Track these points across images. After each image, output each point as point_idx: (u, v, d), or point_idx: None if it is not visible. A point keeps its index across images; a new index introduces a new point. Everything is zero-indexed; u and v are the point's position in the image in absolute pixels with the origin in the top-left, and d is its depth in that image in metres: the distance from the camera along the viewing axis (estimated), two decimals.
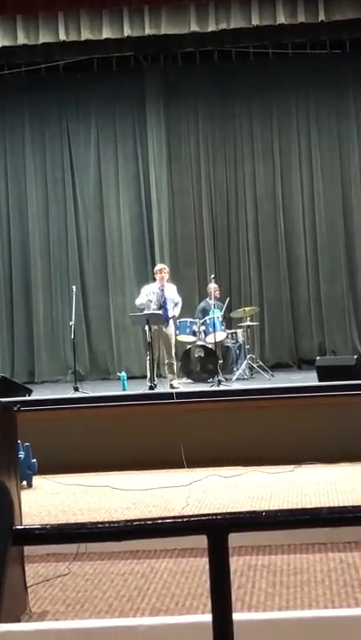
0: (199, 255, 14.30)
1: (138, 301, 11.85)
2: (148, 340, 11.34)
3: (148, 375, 11.22)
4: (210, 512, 6.09)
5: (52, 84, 14.15)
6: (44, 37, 11.78)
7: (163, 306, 11.55)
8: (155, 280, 11.90)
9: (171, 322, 11.64)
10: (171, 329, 11.67)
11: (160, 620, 4.71)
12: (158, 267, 12.12)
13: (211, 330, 12.02)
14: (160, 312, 11.44)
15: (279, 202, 14.19)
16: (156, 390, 10.81)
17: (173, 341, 11.72)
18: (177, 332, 12.05)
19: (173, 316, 11.71)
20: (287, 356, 14.03)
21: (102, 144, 14.37)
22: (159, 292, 11.65)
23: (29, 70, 13.72)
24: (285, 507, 7.01)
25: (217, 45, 13.24)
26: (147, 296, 11.67)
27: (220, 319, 12.29)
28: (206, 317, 12.32)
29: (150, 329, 11.26)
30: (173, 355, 11.67)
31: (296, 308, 14.19)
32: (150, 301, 11.57)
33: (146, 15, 11.72)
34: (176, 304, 11.75)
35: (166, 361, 11.67)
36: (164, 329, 11.51)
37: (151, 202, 14.20)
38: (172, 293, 11.76)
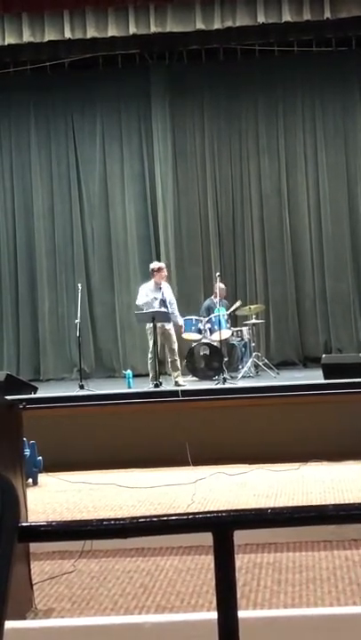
0: (204, 252, 14.27)
1: (140, 301, 11.72)
2: (151, 337, 11.36)
3: (151, 374, 11.30)
4: (215, 510, 6.09)
5: (58, 82, 14.14)
6: (50, 35, 11.79)
7: (162, 304, 11.55)
8: (151, 278, 11.86)
9: (172, 319, 11.66)
10: (171, 326, 11.66)
11: (165, 617, 4.71)
12: (158, 265, 12.03)
13: (216, 328, 12.00)
14: (165, 310, 11.47)
15: (285, 199, 14.17)
16: (161, 388, 10.81)
17: (175, 338, 11.71)
18: (182, 329, 12.06)
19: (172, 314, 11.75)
20: (293, 353, 14.01)
21: (107, 141, 14.36)
22: (157, 290, 11.64)
23: (35, 68, 13.75)
24: (291, 504, 7.00)
25: (222, 43, 13.25)
26: (146, 296, 11.63)
27: (226, 317, 12.28)
28: (212, 315, 12.31)
29: (155, 327, 11.28)
30: (176, 351, 11.67)
31: (302, 305, 14.16)
32: (155, 299, 11.56)
33: (151, 13, 11.72)
34: (171, 304, 11.73)
35: (169, 358, 11.68)
36: (166, 327, 11.53)
37: (156, 199, 14.19)
38: (169, 293, 11.75)
